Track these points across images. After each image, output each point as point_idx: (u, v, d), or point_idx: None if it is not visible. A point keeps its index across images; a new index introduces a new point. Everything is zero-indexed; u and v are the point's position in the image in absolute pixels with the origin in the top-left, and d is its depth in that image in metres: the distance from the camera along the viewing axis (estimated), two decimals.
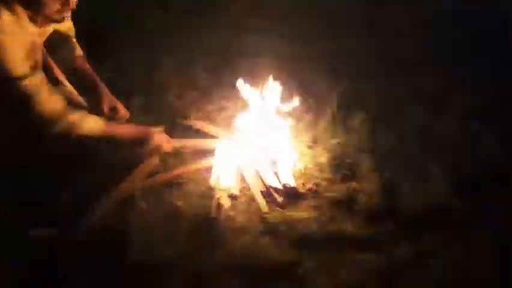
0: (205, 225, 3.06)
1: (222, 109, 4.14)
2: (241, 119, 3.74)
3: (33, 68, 2.36)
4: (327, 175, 3.54)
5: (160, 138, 2.92)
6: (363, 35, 5.12)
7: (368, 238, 3.06)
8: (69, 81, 3.09)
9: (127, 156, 3.19)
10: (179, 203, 3.15)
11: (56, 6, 2.35)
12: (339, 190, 3.40)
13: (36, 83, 2.33)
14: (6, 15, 2.22)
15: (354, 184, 3.43)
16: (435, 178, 3.46)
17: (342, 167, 3.51)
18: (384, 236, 3.10)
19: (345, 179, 3.44)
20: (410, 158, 3.68)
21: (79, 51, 3.04)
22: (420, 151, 3.74)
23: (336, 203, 3.32)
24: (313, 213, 3.24)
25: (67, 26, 2.94)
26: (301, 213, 3.24)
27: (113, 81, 3.53)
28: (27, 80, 2.28)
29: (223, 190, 3.29)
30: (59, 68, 3.01)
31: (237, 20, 5.28)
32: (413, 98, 4.33)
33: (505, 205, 3.13)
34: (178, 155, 3.46)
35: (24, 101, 2.30)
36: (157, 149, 2.96)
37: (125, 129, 2.86)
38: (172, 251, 2.78)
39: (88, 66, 3.06)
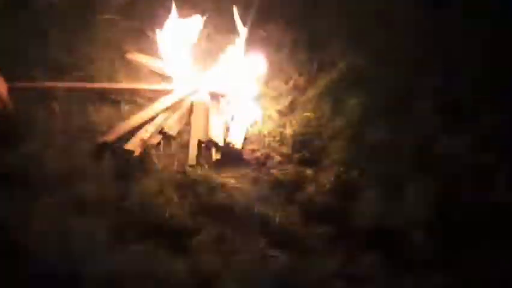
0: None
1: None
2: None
3: None
4: (285, 150, 2.94)
5: None
6: None
7: (290, 236, 2.51)
8: None
9: None
10: None
11: None
12: (289, 172, 2.81)
13: None
14: None
15: (308, 172, 2.81)
16: (408, 198, 2.77)
17: (306, 147, 2.85)
18: (314, 242, 2.53)
19: (303, 162, 2.82)
20: (392, 164, 2.96)
21: None
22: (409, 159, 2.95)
23: (276, 185, 2.75)
24: (243, 185, 2.70)
25: None
26: (230, 180, 2.70)
27: None
28: None
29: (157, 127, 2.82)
30: None
31: None
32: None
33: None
34: None
35: None
36: None
37: None
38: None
39: None
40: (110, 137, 2.75)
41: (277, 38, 3.54)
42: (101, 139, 2.73)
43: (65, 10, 3.35)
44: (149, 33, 3.33)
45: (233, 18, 3.16)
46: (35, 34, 3.16)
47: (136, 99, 3.04)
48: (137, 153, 2.69)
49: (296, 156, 2.90)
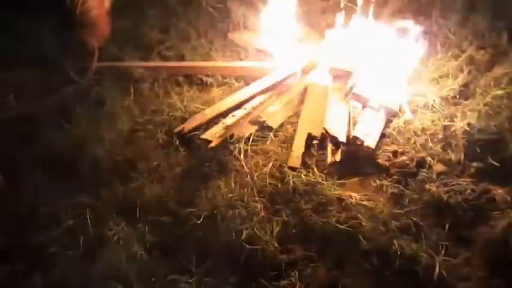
0: None
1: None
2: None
3: None
4: (454, 156, 1.79)
5: None
6: None
7: None
8: None
9: None
10: None
11: None
12: (462, 190, 1.66)
13: None
14: None
15: (498, 192, 1.61)
16: None
17: (491, 152, 1.69)
18: None
19: (486, 176, 1.74)
20: None
21: None
22: None
23: (437, 211, 1.64)
24: (375, 205, 1.65)
25: None
26: (352, 194, 1.67)
27: None
28: None
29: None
30: None
31: None
32: None
33: None
34: None
35: None
36: None
37: None
38: None
39: None
40: (189, 125, 2.01)
41: (441, 2, 2.42)
42: (178, 128, 2.00)
43: None
44: (256, 8, 2.59)
45: None
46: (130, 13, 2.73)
47: (230, 81, 2.27)
48: (214, 144, 1.86)
49: (474, 166, 1.71)
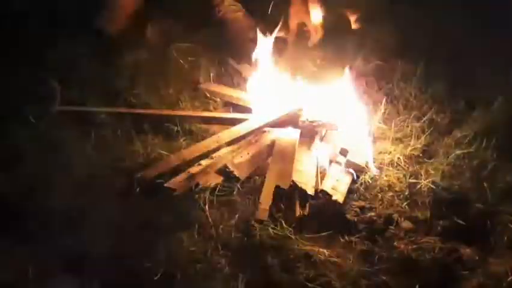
0: None
1: None
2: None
3: None
4: (420, 214, 1.79)
5: None
6: None
7: None
8: None
9: None
10: None
11: None
12: (429, 249, 1.66)
13: None
14: None
15: (466, 252, 1.59)
16: None
17: (458, 211, 1.74)
18: None
19: (454, 235, 1.79)
20: None
21: None
22: None
23: (406, 270, 1.62)
24: (344, 263, 1.58)
25: None
26: (321, 250, 1.60)
27: None
28: None
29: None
30: None
31: None
32: None
33: None
34: None
35: None
36: None
37: None
38: None
39: None
40: (152, 172, 1.91)
41: (402, 68, 2.56)
42: (140, 173, 1.90)
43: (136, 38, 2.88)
44: (231, 62, 2.63)
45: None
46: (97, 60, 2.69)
47: (198, 131, 2.22)
48: (179, 192, 1.76)
49: (440, 224, 1.70)
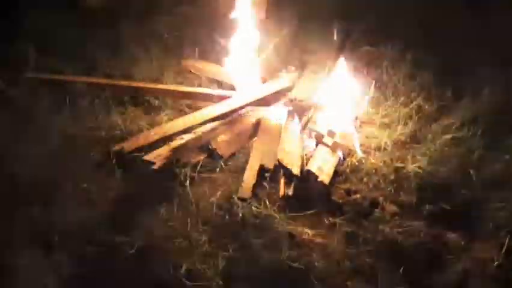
0: None
1: None
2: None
3: None
4: (406, 197, 1.75)
5: None
6: None
7: None
8: None
9: None
10: None
11: None
12: (414, 233, 1.62)
13: None
14: None
15: (452, 237, 1.58)
16: None
17: (444, 196, 1.76)
18: None
19: (439, 219, 1.76)
20: None
21: None
22: None
23: (391, 252, 1.57)
24: (327, 242, 1.53)
25: None
26: (305, 229, 1.55)
27: None
28: None
29: None
30: None
31: None
32: None
33: None
34: None
35: None
36: None
37: None
38: None
39: None
40: (130, 144, 1.81)
41: (391, 55, 2.52)
42: (117, 146, 1.80)
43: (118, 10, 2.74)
44: (217, 39, 2.53)
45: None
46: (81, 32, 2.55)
47: (181, 107, 2.13)
48: (158, 166, 1.68)
49: (426, 208, 1.66)
